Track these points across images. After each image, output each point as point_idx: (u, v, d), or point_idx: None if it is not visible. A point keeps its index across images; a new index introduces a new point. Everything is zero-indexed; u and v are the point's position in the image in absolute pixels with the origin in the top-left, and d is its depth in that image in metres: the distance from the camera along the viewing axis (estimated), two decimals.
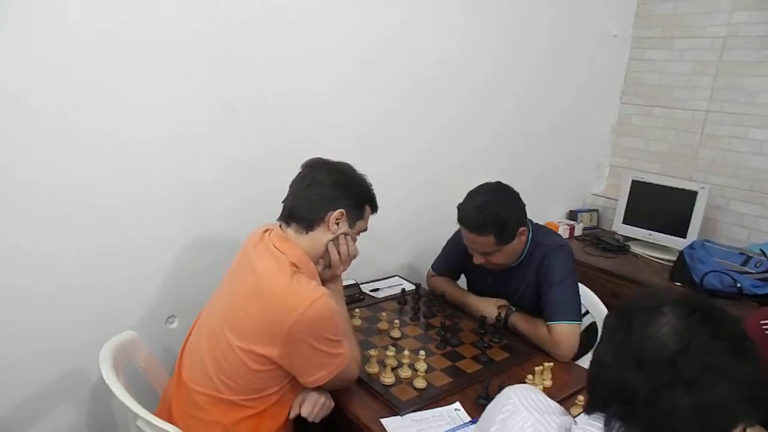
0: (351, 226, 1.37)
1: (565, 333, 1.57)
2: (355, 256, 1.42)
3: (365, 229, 1.44)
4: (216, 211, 1.67)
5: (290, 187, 1.37)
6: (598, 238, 2.65)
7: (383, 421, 1.26)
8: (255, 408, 1.24)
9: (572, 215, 2.85)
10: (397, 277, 2.14)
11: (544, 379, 1.44)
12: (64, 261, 1.43)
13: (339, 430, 1.36)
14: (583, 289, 1.95)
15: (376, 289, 2.01)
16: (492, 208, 1.56)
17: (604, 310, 1.94)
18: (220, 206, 1.67)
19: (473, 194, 1.62)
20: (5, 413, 1.45)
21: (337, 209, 1.33)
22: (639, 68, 2.88)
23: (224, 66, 1.58)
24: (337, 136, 1.86)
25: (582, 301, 1.71)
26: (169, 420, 1.15)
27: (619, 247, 2.58)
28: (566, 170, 2.80)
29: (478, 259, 1.66)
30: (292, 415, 1.30)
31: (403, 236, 2.18)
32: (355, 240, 1.41)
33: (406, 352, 1.45)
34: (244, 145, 1.68)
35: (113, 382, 1.16)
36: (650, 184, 2.58)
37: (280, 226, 1.37)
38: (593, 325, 1.98)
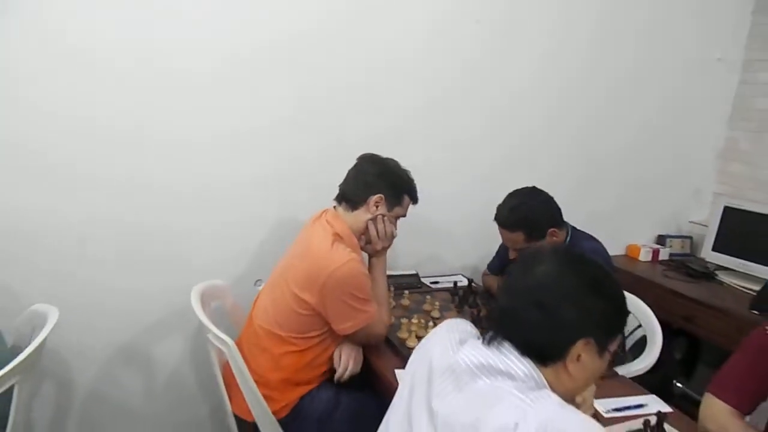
0: (389, 210, 1.66)
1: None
2: (392, 235, 1.69)
3: (403, 215, 1.72)
4: (297, 197, 2.05)
5: (346, 174, 1.71)
6: (684, 264, 2.59)
7: (396, 371, 1.50)
8: (298, 345, 1.57)
9: (661, 240, 2.80)
10: (460, 275, 2.35)
11: None
12: (196, 234, 1.94)
13: (365, 377, 1.63)
14: (636, 302, 2.01)
15: (436, 282, 2.24)
16: (523, 208, 1.74)
17: (656, 324, 1.97)
18: (300, 193, 2.04)
19: (510, 195, 1.81)
20: (134, 336, 1.96)
21: (377, 194, 1.64)
22: (750, 92, 2.77)
23: (301, 70, 1.95)
24: (405, 136, 2.15)
25: (634, 313, 1.81)
26: (238, 348, 1.52)
27: (705, 274, 2.49)
28: (658, 194, 2.77)
29: (512, 255, 1.83)
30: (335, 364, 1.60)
31: (471, 239, 2.38)
32: (393, 223, 1.69)
33: (431, 324, 1.68)
34: (318, 141, 2.03)
35: (197, 307, 1.57)
36: (744, 210, 2.47)
37: (335, 206, 1.71)
38: (644, 339, 2.01)
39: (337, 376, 1.58)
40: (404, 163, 1.72)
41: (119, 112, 1.76)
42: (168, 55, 1.78)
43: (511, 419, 0.74)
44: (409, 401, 0.91)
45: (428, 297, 1.95)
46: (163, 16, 1.75)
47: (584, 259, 0.91)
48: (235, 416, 1.61)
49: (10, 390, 1.30)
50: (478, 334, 0.93)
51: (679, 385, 2.59)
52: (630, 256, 2.76)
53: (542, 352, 0.84)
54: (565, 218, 1.88)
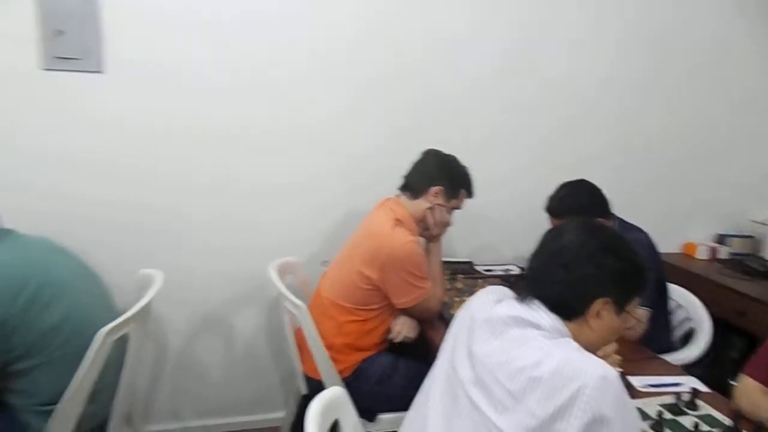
0: (446, 201, 1.84)
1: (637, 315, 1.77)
2: (447, 224, 1.88)
3: (459, 207, 1.90)
4: (360, 188, 2.26)
5: (410, 166, 1.90)
6: (742, 262, 2.59)
7: None
8: (360, 316, 1.78)
9: (721, 239, 2.80)
10: (513, 266, 2.48)
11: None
12: (275, 222, 2.21)
13: (420, 348, 1.81)
14: (684, 294, 2.08)
15: (489, 270, 2.39)
16: (572, 198, 1.86)
17: (705, 315, 2.03)
18: (363, 184, 2.26)
19: (561, 186, 1.94)
20: (218, 307, 2.24)
21: (437, 186, 1.82)
22: None
23: (368, 68, 2.17)
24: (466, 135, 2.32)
25: (684, 305, 1.98)
26: None
27: (763, 272, 2.49)
28: (719, 192, 2.78)
29: None
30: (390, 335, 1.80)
31: (524, 230, 2.50)
32: (449, 213, 1.87)
33: None
34: (381, 136, 2.24)
35: (275, 277, 1.81)
36: None
37: (398, 195, 1.90)
38: (693, 331, 2.08)
39: (391, 335, 1.78)
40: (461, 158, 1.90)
41: (213, 117, 2.06)
42: (254, 62, 2.06)
43: (536, 357, 0.90)
44: (453, 348, 1.09)
45: (480, 281, 2.10)
46: (246, 24, 2.02)
47: (602, 227, 1.06)
48: (305, 376, 1.84)
49: (123, 341, 1.57)
50: (515, 295, 1.10)
51: (734, 383, 2.59)
52: (686, 254, 2.78)
53: (566, 307, 1.00)
54: (623, 215, 1.99)
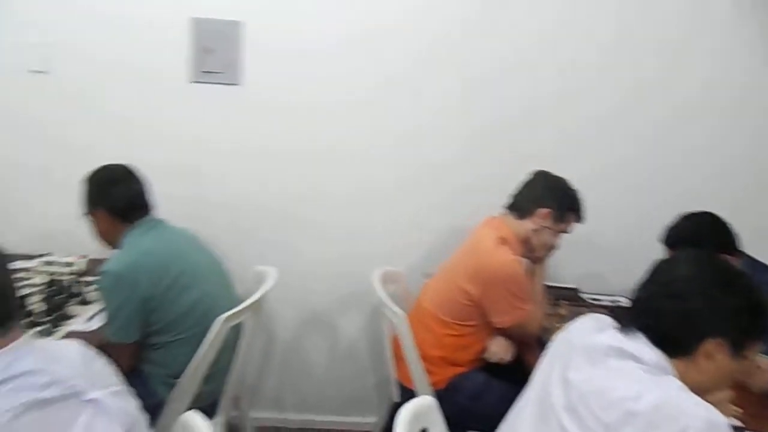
0: (553, 224, 1.81)
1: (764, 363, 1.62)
2: (552, 247, 1.84)
3: (566, 232, 1.85)
4: (463, 205, 2.27)
5: (519, 185, 1.89)
6: None
7: None
8: (457, 331, 1.80)
9: None
10: (623, 298, 2.35)
11: None
12: (383, 231, 2.31)
13: (516, 370, 1.79)
14: None
15: (597, 299, 2.29)
16: (690, 228, 1.74)
17: None
18: (466, 201, 2.26)
19: (680, 217, 1.82)
20: (325, 307, 2.36)
21: (545, 208, 1.79)
22: None
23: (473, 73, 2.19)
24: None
25: None
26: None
27: None
28: None
29: None
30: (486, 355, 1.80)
31: (636, 261, 2.36)
32: (555, 236, 1.83)
33: None
34: (487, 153, 2.25)
35: (378, 285, 1.89)
36: None
37: (504, 213, 1.90)
38: None
39: (486, 354, 1.77)
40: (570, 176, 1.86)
41: (325, 131, 2.22)
42: (361, 80, 2.18)
43: (635, 390, 0.87)
44: (548, 372, 1.08)
45: (585, 310, 2.02)
46: (351, 50, 2.15)
47: (720, 261, 0.99)
48: (399, 384, 1.89)
49: (239, 329, 1.73)
50: (617, 324, 1.06)
51: None
52: None
53: (672, 343, 0.95)
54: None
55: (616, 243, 2.35)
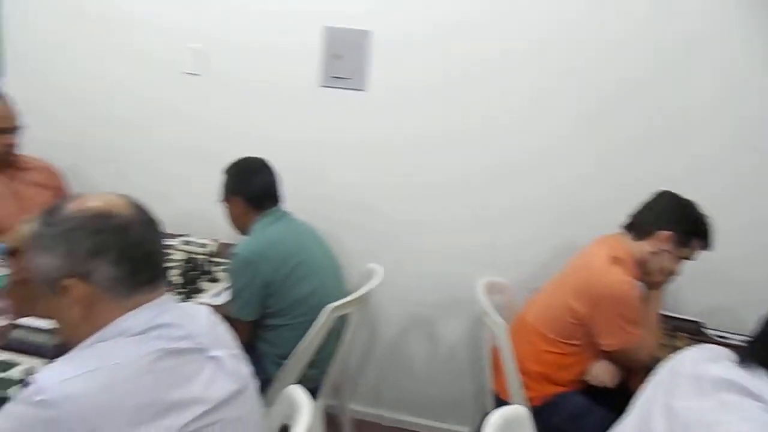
0: (675, 248, 1.69)
1: None
2: (671, 273, 1.72)
3: (689, 258, 1.72)
4: (577, 219, 2.19)
5: (641, 204, 1.79)
6: None
7: None
8: (560, 348, 1.74)
9: None
10: None
11: None
12: (490, 242, 2.30)
13: (620, 397, 1.69)
14: None
15: (723, 337, 2.09)
16: None
17: None
18: (580, 216, 2.18)
19: None
20: (427, 309, 2.40)
21: (666, 230, 1.69)
22: None
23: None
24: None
25: None
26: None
27: None
28: None
29: None
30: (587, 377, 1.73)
31: None
32: (676, 261, 1.71)
33: None
34: (609, 164, 2.14)
35: (481, 292, 1.89)
36: None
37: (621, 233, 1.81)
38: None
39: (588, 376, 1.70)
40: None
41: (441, 138, 2.24)
42: (482, 95, 2.18)
43: (746, 429, 0.81)
44: (651, 399, 1.02)
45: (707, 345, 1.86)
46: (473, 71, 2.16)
47: None
48: (494, 395, 1.88)
49: (343, 320, 1.83)
50: (735, 357, 0.98)
51: None
52: None
53: None
54: None
55: (750, 275, 2.12)
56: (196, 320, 0.98)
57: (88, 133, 2.52)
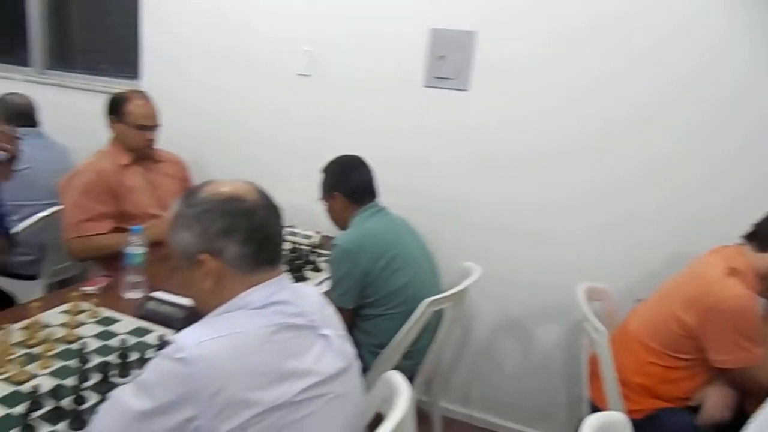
0: None
1: None
2: None
3: None
4: (689, 229, 2.06)
5: (765, 213, 1.66)
6: None
7: None
8: (666, 362, 1.66)
9: None
10: None
11: None
12: (592, 247, 2.23)
13: (734, 420, 1.58)
14: None
15: None
16: None
17: None
18: (692, 224, 2.04)
19: None
20: (522, 312, 2.37)
21: None
22: None
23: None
24: None
25: None
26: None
27: None
28: None
29: None
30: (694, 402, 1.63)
31: None
32: None
33: None
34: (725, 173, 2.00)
35: (582, 298, 1.84)
36: None
37: (741, 243, 1.69)
38: None
39: (699, 420, 1.60)
40: None
41: (546, 141, 2.21)
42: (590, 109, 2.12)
43: None
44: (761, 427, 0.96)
45: None
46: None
47: None
48: (591, 404, 1.82)
49: (440, 315, 1.86)
50: None
51: None
52: None
53: None
54: None
55: None
56: (308, 300, 1.06)
57: (209, 130, 2.76)
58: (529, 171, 2.26)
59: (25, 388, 1.18)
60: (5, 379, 1.21)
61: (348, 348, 1.08)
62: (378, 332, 1.84)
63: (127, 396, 0.90)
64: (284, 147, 2.63)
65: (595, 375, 1.78)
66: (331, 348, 1.02)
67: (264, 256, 1.00)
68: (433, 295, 1.76)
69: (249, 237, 0.98)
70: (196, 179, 2.53)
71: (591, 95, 2.12)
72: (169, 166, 2.38)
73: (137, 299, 1.66)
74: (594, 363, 1.80)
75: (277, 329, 0.95)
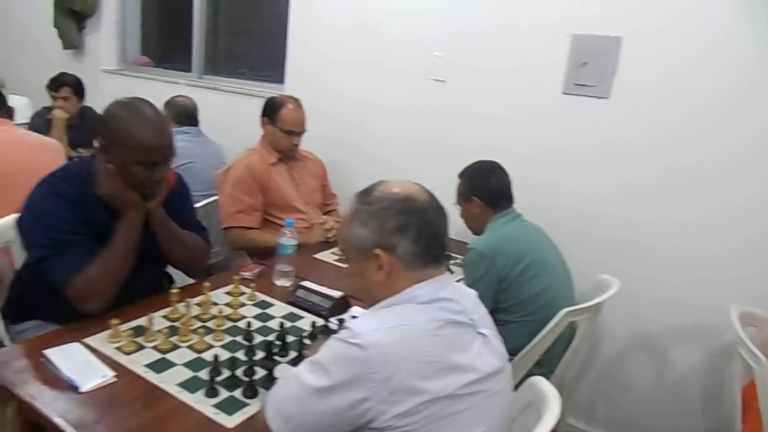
0: None
1: None
2: None
3: None
4: None
5: None
6: None
7: None
8: None
9: None
10: None
11: None
12: (745, 267, 2.06)
13: None
14: None
15: None
16: None
17: None
18: None
19: None
20: (658, 329, 2.23)
21: None
22: None
23: None
24: None
25: None
26: None
27: None
28: None
29: None
30: None
31: None
32: None
33: None
34: None
35: (736, 321, 1.71)
36: None
37: None
38: None
39: None
40: None
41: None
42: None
43: None
44: None
45: None
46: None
47: None
48: None
49: (571, 326, 1.81)
50: None
51: None
52: None
53: None
54: None
55: None
56: (468, 298, 1.10)
57: (344, 135, 2.90)
58: (672, 184, 2.14)
59: (206, 356, 1.34)
60: (189, 347, 1.38)
61: (503, 348, 1.10)
62: (512, 338, 1.81)
63: (304, 372, 0.99)
64: (417, 151, 2.71)
65: (749, 407, 1.65)
66: (490, 347, 1.05)
67: (431, 253, 1.06)
68: (568, 305, 1.74)
69: (420, 235, 1.04)
70: (334, 180, 2.70)
71: (742, 104, 1.98)
72: (310, 165, 2.56)
73: (287, 287, 1.80)
74: (748, 393, 1.67)
75: (442, 324, 0.99)
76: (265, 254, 2.20)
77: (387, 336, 0.95)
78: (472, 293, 1.14)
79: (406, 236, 1.03)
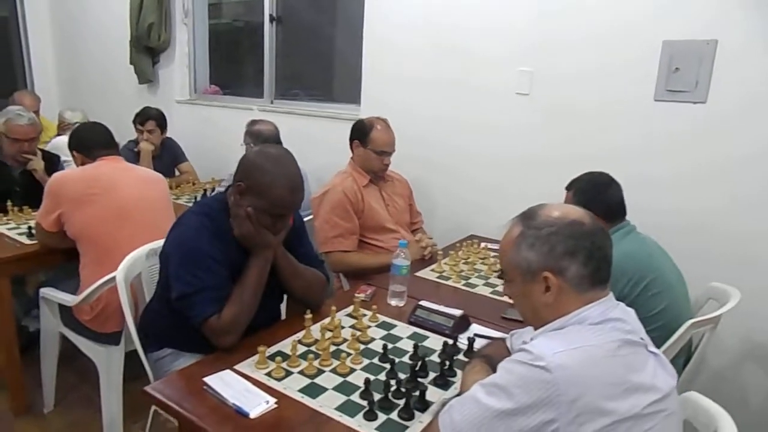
0: None
1: None
2: None
3: None
4: None
5: None
6: None
7: None
8: None
9: None
10: None
11: None
12: None
13: None
14: None
15: None
16: None
17: None
18: None
19: None
20: None
21: None
22: None
23: None
24: None
25: None
26: None
27: None
28: None
29: None
30: None
31: None
32: None
33: None
34: None
35: None
36: None
37: None
38: None
39: None
40: None
41: None
42: None
43: None
44: None
45: None
46: None
47: None
48: None
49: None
50: None
51: None
52: None
53: None
54: None
55: None
56: (632, 317, 1.11)
57: (423, 150, 2.94)
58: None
59: (351, 379, 1.38)
60: (332, 371, 1.42)
61: (671, 366, 1.10)
62: None
63: (482, 396, 1.01)
64: (503, 166, 2.72)
65: None
66: (663, 366, 1.05)
67: (599, 275, 1.07)
68: (686, 320, 1.69)
69: (589, 258, 1.05)
70: (418, 199, 2.73)
71: None
72: (397, 185, 2.61)
73: (400, 306, 1.84)
74: None
75: (620, 344, 1.00)
76: (361, 275, 2.26)
77: (571, 357, 0.97)
78: (633, 312, 1.15)
79: (576, 260, 1.05)
